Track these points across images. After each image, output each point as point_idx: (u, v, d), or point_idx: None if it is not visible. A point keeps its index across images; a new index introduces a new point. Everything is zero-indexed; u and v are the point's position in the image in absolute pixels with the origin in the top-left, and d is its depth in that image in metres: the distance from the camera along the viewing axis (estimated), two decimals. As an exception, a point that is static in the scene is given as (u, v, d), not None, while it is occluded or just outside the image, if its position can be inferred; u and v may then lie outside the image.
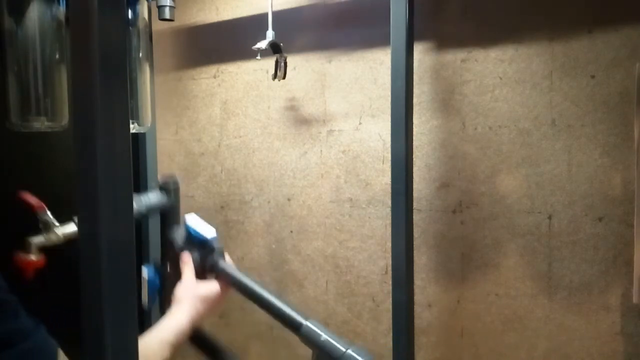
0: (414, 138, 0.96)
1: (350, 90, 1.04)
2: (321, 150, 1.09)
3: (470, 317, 0.91)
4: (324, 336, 0.71)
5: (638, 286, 0.76)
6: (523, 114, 0.87)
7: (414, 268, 0.99)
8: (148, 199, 0.88)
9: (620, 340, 0.81)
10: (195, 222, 0.91)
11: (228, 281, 0.88)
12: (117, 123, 0.38)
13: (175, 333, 0.82)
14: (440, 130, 0.95)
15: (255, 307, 1.23)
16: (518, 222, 0.89)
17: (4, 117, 0.86)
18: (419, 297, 0.99)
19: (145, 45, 1.06)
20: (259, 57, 0.99)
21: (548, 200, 0.86)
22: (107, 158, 0.37)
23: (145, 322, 1.26)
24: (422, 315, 0.99)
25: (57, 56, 0.88)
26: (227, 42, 1.10)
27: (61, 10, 0.87)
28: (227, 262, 0.90)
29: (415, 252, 0.98)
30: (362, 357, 0.66)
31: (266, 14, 1.01)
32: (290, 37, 1.02)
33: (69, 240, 0.81)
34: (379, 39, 0.98)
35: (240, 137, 1.22)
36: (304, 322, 0.75)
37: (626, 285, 0.80)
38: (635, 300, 0.76)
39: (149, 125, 1.12)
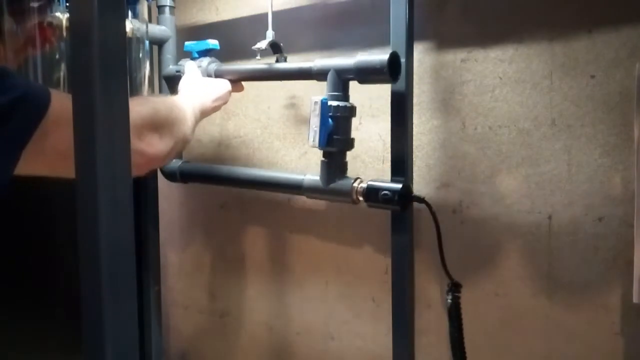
0: (414, 138, 0.96)
1: (350, 90, 1.03)
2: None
3: (470, 317, 0.91)
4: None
5: (638, 286, 0.76)
6: (523, 114, 0.87)
7: (414, 268, 0.99)
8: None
9: (620, 340, 0.81)
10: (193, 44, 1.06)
11: (233, 75, 0.99)
12: (117, 123, 0.38)
13: (192, 107, 0.81)
14: (440, 130, 0.95)
15: (255, 307, 1.24)
16: (518, 222, 0.89)
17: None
18: (419, 297, 0.99)
19: (146, 56, 1.06)
20: (258, 57, 0.99)
21: (548, 200, 0.86)
22: (107, 158, 0.37)
23: (145, 315, 1.26)
24: (422, 315, 0.99)
25: (57, 56, 0.87)
26: (227, 42, 1.10)
27: (61, 9, 0.86)
28: None
29: (415, 252, 0.98)
30: None
31: (266, 14, 1.01)
32: (290, 37, 1.01)
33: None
34: (379, 39, 0.98)
35: (240, 137, 1.22)
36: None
37: (626, 285, 0.80)
38: (635, 300, 0.76)
39: (149, 125, 1.12)
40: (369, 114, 0.99)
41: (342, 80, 0.88)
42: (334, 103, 0.87)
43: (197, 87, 0.93)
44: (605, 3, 0.80)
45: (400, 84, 0.91)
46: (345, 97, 0.90)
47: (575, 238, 0.84)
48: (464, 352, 0.89)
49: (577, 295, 0.85)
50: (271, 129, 1.17)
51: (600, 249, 0.82)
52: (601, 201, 0.82)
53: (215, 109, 0.95)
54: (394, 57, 0.84)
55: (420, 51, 0.96)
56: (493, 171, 0.91)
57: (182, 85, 0.95)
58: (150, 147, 0.63)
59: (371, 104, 1.02)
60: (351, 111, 0.90)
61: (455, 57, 0.93)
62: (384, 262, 1.03)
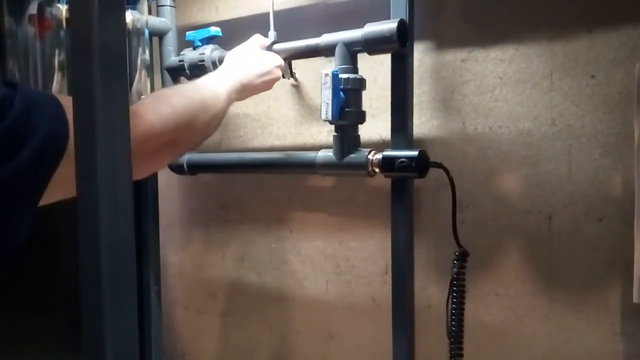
0: (414, 138, 0.96)
1: (350, 90, 1.03)
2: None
3: (470, 317, 0.91)
4: None
5: (638, 286, 0.76)
6: (523, 114, 0.87)
7: (414, 268, 0.99)
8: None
9: (620, 340, 0.81)
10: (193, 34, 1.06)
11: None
12: (117, 123, 0.38)
13: (228, 86, 0.78)
14: (440, 130, 0.95)
15: (255, 307, 1.24)
16: (518, 222, 0.89)
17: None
18: (419, 297, 0.99)
19: (145, 45, 1.06)
20: (259, 58, 0.99)
21: (548, 200, 0.86)
22: (107, 159, 0.37)
23: (145, 315, 1.26)
24: (422, 315, 0.99)
25: (57, 56, 0.87)
26: (227, 42, 1.10)
27: (61, 9, 0.86)
28: None
29: (415, 252, 0.98)
30: None
31: (266, 14, 1.01)
32: (290, 37, 1.01)
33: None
34: (379, 39, 0.98)
35: (240, 137, 1.22)
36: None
37: (626, 285, 0.80)
38: (635, 300, 0.76)
39: (149, 125, 1.12)
40: (369, 113, 0.99)
41: (350, 53, 0.88)
42: (345, 75, 0.87)
43: (242, 60, 0.89)
44: (605, 3, 0.80)
45: (400, 83, 0.91)
46: (355, 69, 0.90)
47: (575, 238, 0.84)
48: (462, 327, 0.88)
49: (577, 295, 0.85)
50: (271, 128, 1.17)
51: (600, 249, 0.82)
52: (601, 201, 0.82)
53: (264, 84, 0.90)
54: (402, 25, 0.85)
55: (420, 51, 0.96)
56: (493, 171, 0.91)
57: (228, 55, 0.92)
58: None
59: (371, 104, 1.02)
60: (362, 83, 0.89)
61: (455, 57, 0.93)
62: (384, 262, 1.03)
